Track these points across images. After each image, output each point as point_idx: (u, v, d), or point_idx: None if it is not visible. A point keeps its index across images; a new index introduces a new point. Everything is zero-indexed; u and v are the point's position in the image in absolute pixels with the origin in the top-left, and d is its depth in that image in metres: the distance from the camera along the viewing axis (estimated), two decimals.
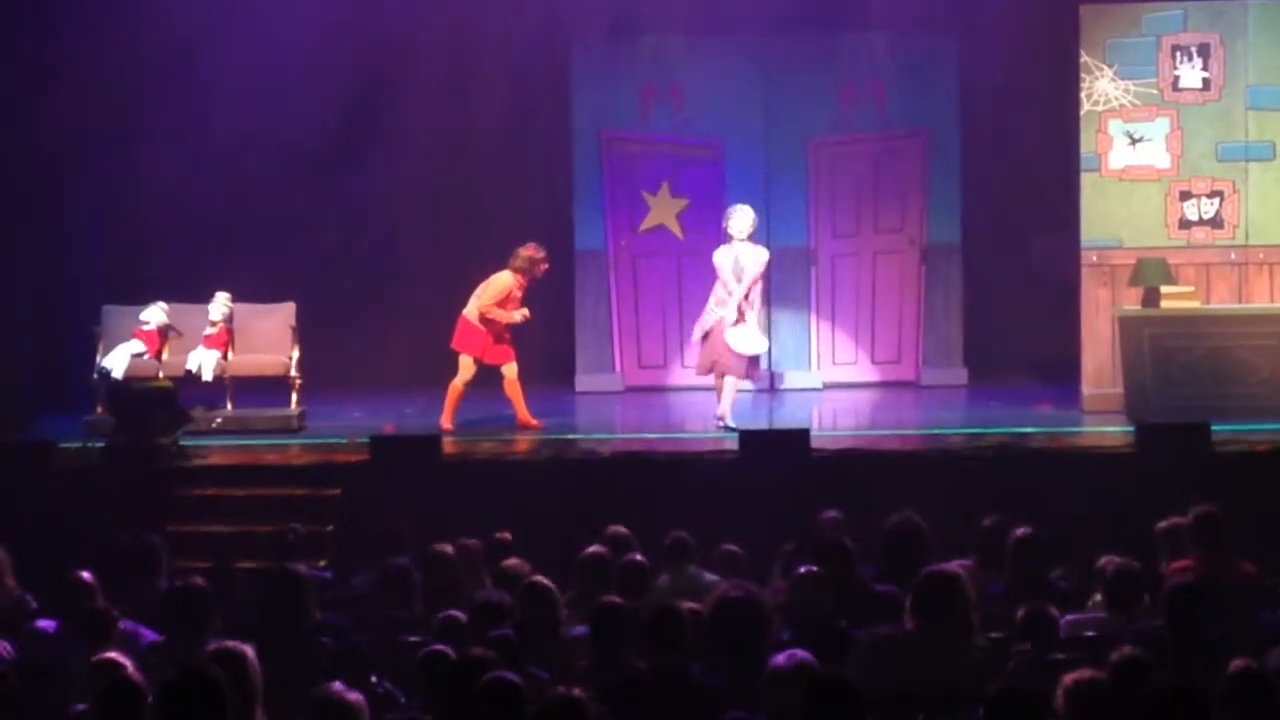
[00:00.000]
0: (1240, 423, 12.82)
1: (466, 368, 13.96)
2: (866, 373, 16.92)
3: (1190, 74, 14.36)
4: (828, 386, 16.68)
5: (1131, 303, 14.09)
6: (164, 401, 12.91)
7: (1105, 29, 14.44)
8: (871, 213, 16.87)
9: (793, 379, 16.64)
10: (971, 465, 12.11)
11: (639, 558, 9.03)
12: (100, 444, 12.80)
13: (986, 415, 14.46)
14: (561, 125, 16.82)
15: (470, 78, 16.55)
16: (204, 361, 14.32)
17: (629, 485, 11.86)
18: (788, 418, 13.93)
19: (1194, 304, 13.96)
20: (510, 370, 14.00)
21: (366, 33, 15.96)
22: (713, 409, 13.92)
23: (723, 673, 6.91)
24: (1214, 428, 12.03)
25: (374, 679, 7.06)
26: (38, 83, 14.74)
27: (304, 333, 14.75)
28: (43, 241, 15.34)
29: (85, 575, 8.53)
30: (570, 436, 13.86)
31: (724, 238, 13.88)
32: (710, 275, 14.01)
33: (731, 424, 13.48)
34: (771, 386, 16.24)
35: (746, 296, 13.65)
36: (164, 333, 14.49)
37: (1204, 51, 14.35)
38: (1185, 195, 14.39)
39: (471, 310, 14.01)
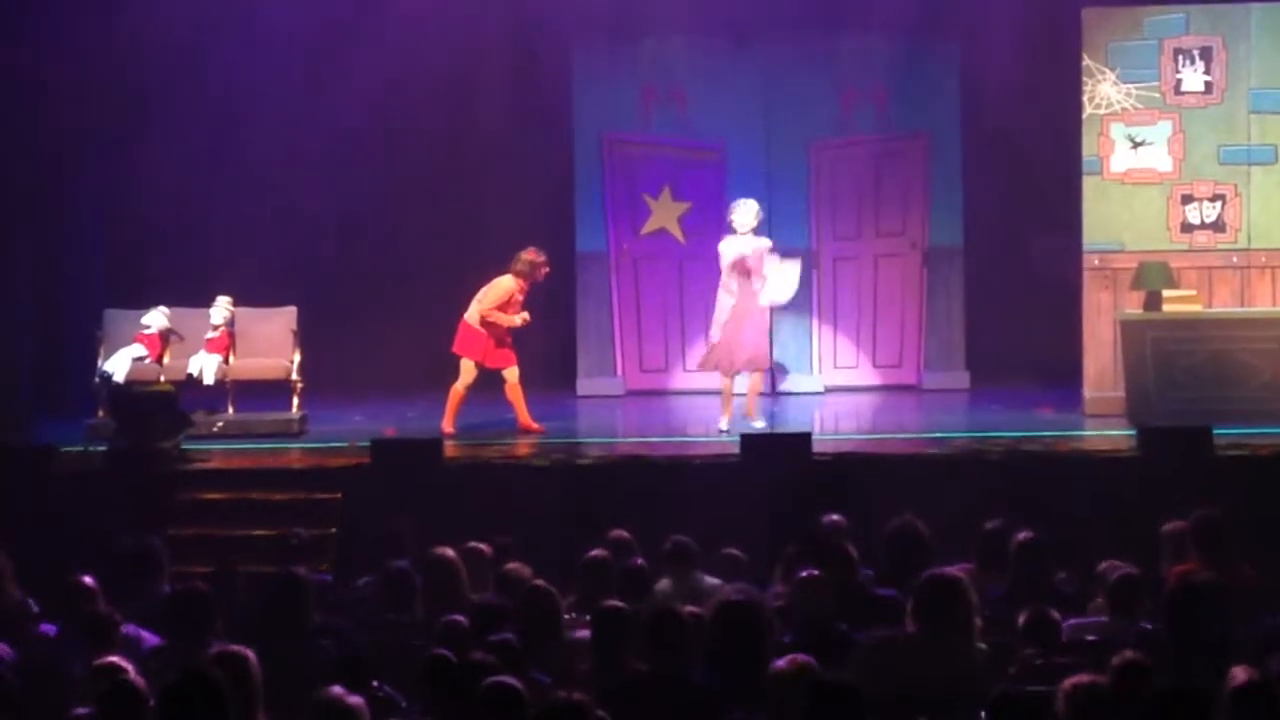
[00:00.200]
0: (1242, 426, 12.81)
1: (467, 371, 13.96)
2: (868, 376, 16.93)
3: (1192, 77, 14.36)
4: (829, 390, 16.69)
5: (1133, 306, 14.09)
6: (165, 405, 12.90)
7: (1107, 32, 14.44)
8: (873, 216, 16.87)
9: (794, 382, 16.64)
10: (973, 469, 12.09)
11: (640, 561, 9.03)
12: (102, 448, 12.80)
13: (988, 419, 14.46)
14: (563, 127, 16.83)
15: (471, 80, 16.57)
16: (205, 365, 14.32)
17: (630, 489, 11.85)
18: (789, 421, 13.92)
19: (1196, 307, 13.96)
20: (512, 374, 14.00)
21: (368, 34, 15.96)
22: (715, 413, 13.93)
23: (724, 676, 6.90)
24: (1216, 431, 12.02)
25: (375, 683, 7.05)
26: (38, 86, 14.74)
27: (305, 336, 14.76)
28: (44, 245, 15.35)
29: (86, 579, 8.52)
30: (572, 440, 13.86)
31: (727, 229, 13.84)
32: (710, 277, 14.01)
33: (761, 423, 13.52)
34: (773, 390, 16.23)
35: (753, 286, 13.63)
36: (165, 336, 14.49)
37: (1206, 55, 14.35)
38: (1187, 199, 14.38)
39: (472, 314, 14.01)
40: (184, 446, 12.88)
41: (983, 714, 6.18)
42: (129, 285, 15.64)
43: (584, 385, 16.78)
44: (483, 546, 9.56)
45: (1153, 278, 13.99)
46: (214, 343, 14.49)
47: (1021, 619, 7.62)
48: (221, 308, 14.60)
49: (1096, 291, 14.47)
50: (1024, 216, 16.66)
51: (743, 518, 11.02)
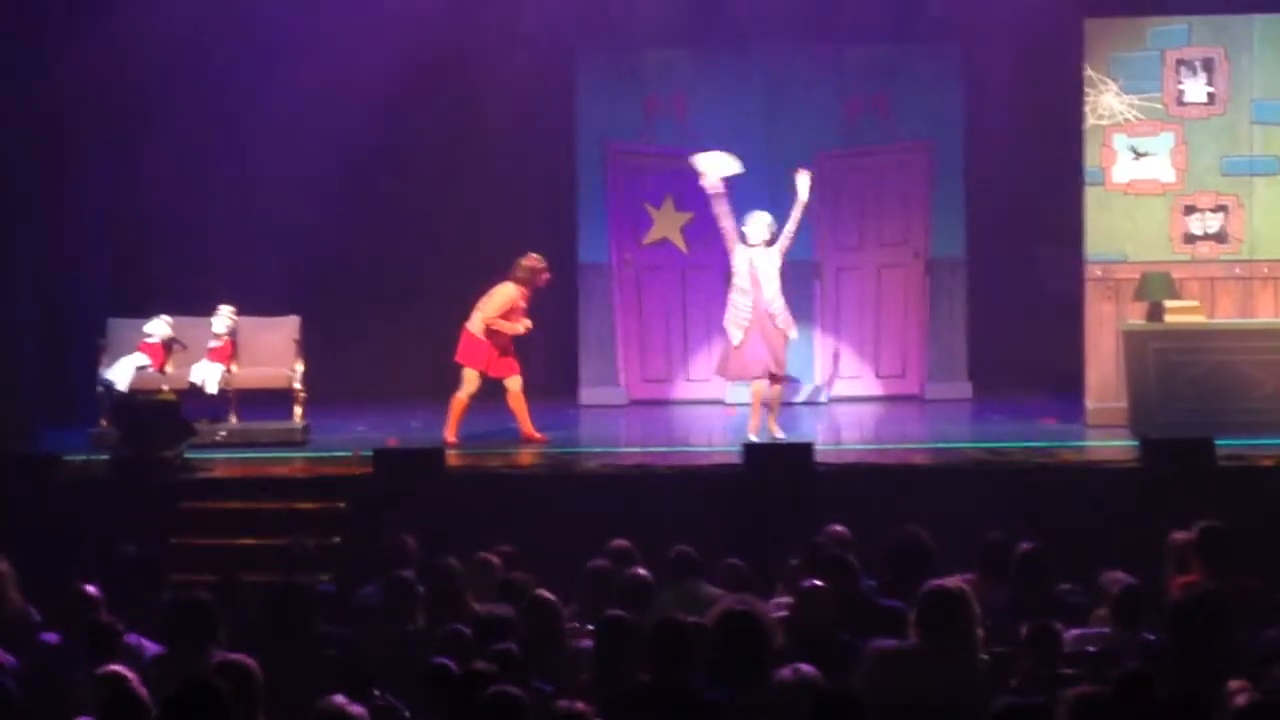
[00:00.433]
0: (1245, 437, 12.80)
1: (470, 380, 13.95)
2: (871, 386, 16.92)
3: (1195, 88, 14.37)
4: (832, 400, 16.68)
5: (1136, 317, 14.09)
6: (168, 414, 12.90)
7: (1110, 43, 14.45)
8: (876, 226, 16.88)
9: (797, 393, 16.63)
10: (975, 479, 12.09)
11: (642, 571, 9.02)
12: (104, 457, 12.80)
13: (990, 429, 14.45)
14: (565, 137, 16.84)
15: (474, 89, 16.57)
16: (208, 375, 14.33)
17: (632, 499, 11.85)
18: (792, 431, 13.92)
19: (1198, 318, 13.96)
20: (514, 383, 13.99)
21: (371, 45, 15.96)
22: (717, 423, 13.92)
23: (726, 686, 6.90)
24: (1218, 442, 12.01)
25: (377, 692, 7.05)
26: (41, 93, 14.74)
27: (308, 346, 14.76)
28: (46, 253, 15.35)
29: (89, 588, 8.53)
30: (574, 450, 13.85)
31: (742, 239, 13.83)
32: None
33: (780, 435, 13.54)
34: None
35: (765, 295, 13.59)
36: (168, 346, 14.50)
37: (1209, 66, 14.35)
38: (1190, 209, 14.39)
39: (475, 323, 14.00)
40: (186, 456, 12.88)
41: None
42: (132, 294, 15.66)
43: (586, 395, 16.78)
44: (492, 557, 9.57)
45: (1155, 288, 13.98)
46: (217, 352, 14.50)
47: (1024, 630, 7.62)
48: (224, 317, 14.60)
49: (1099, 302, 14.47)
50: (1026, 227, 16.67)
51: (745, 528, 11.03)
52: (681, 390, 16.89)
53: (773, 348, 13.58)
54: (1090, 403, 14.48)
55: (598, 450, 13.93)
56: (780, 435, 13.57)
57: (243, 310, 14.76)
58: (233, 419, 14.43)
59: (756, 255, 13.65)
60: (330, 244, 16.74)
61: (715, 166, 14.06)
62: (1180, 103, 14.40)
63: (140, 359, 14.34)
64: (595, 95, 16.79)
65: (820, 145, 16.67)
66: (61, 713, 7.00)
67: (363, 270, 16.94)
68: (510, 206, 16.69)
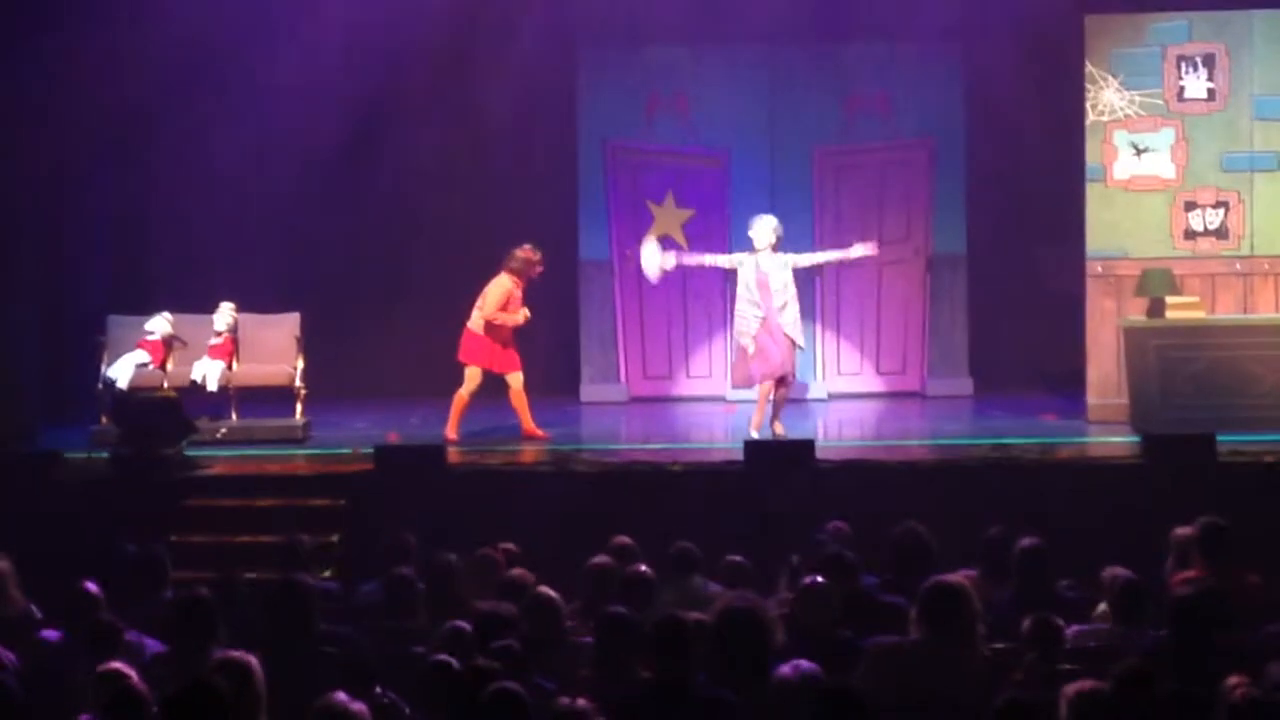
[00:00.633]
0: (1245, 433, 12.80)
1: (473, 378, 13.95)
2: (872, 383, 16.93)
3: (1195, 84, 14.37)
4: (833, 397, 16.69)
5: (1137, 313, 14.09)
6: (169, 412, 12.90)
7: (1110, 39, 14.46)
8: (877, 223, 16.86)
9: (798, 389, 16.62)
10: (976, 476, 12.08)
11: (644, 568, 9.02)
12: (105, 454, 12.80)
13: (991, 425, 14.45)
14: (567, 134, 16.85)
15: (475, 87, 16.57)
16: (209, 372, 14.33)
17: (634, 496, 11.84)
18: (793, 428, 13.92)
19: (1199, 314, 13.96)
20: (516, 380, 13.99)
21: (371, 43, 15.97)
22: (718, 420, 13.91)
23: (728, 683, 6.90)
24: (1219, 438, 12.01)
25: (379, 689, 7.05)
26: (43, 92, 14.75)
27: (309, 343, 14.77)
28: (47, 250, 15.37)
29: (90, 585, 8.52)
30: (575, 447, 13.84)
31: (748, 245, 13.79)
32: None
33: (783, 432, 13.52)
34: None
35: (774, 303, 13.55)
36: (169, 343, 14.49)
37: (1209, 62, 14.36)
38: (1190, 206, 14.39)
39: (476, 321, 13.99)
40: (187, 453, 12.88)
41: None
42: (132, 291, 15.68)
43: (587, 392, 16.79)
44: (494, 553, 9.56)
45: (1156, 285, 13.98)
46: (217, 349, 14.50)
47: (1025, 626, 7.62)
48: (225, 314, 14.61)
49: (1100, 298, 14.48)
50: (1027, 224, 16.68)
51: (746, 525, 11.02)
52: (683, 387, 16.90)
53: (782, 352, 13.54)
54: (1091, 399, 14.48)
55: (599, 447, 13.93)
56: (782, 433, 13.56)
57: (243, 307, 14.77)
58: (233, 416, 14.44)
59: (763, 260, 13.58)
60: (331, 241, 16.76)
61: (650, 262, 14.04)
62: (1181, 99, 14.41)
63: (141, 356, 14.34)
64: (596, 92, 16.80)
65: (821, 142, 16.71)
66: (62, 711, 6.99)
67: (364, 267, 16.94)
68: (511, 203, 16.68)
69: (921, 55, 16.63)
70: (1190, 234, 14.40)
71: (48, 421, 14.63)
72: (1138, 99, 14.41)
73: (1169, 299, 13.93)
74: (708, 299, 16.39)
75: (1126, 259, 14.38)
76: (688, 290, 16.78)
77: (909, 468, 12.49)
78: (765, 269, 13.56)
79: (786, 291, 13.54)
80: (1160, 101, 14.40)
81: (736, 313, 13.71)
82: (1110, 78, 14.40)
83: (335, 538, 11.70)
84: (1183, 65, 14.39)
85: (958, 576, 7.75)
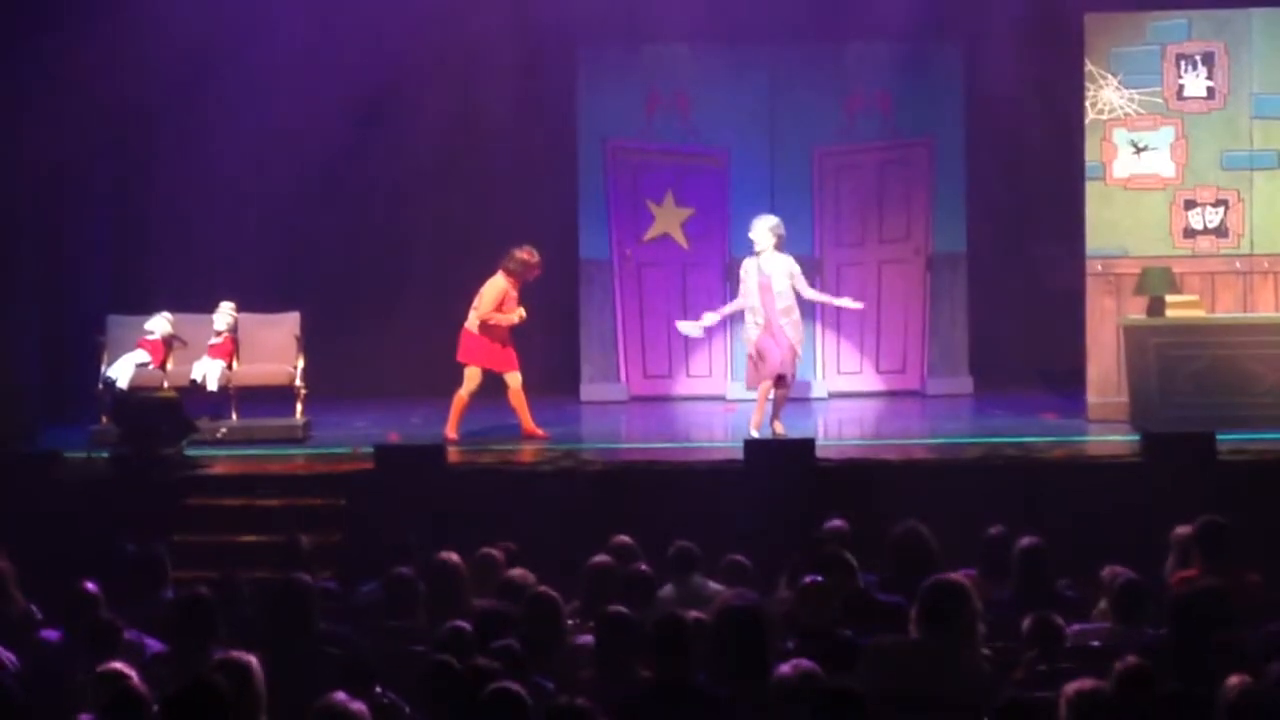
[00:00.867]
0: (1245, 432, 12.81)
1: (472, 378, 13.94)
2: (871, 382, 16.92)
3: (1195, 83, 14.37)
4: (833, 396, 16.69)
5: (1136, 312, 14.09)
6: (169, 412, 12.90)
7: (1110, 38, 14.45)
8: (877, 222, 16.87)
9: (798, 388, 16.61)
10: (976, 474, 12.09)
11: (644, 568, 9.02)
12: (105, 454, 12.81)
13: (991, 424, 14.46)
14: (566, 133, 16.84)
15: (475, 86, 16.59)
16: (209, 371, 14.33)
17: (634, 495, 11.85)
18: (793, 428, 13.92)
19: (1199, 313, 13.97)
20: (514, 380, 13.98)
21: (371, 43, 15.98)
22: (718, 419, 13.90)
23: (728, 682, 6.90)
24: (1219, 437, 12.02)
25: (378, 689, 7.05)
26: (44, 91, 14.74)
27: (309, 342, 14.77)
28: (48, 250, 15.36)
29: (89, 585, 8.52)
30: (575, 446, 13.84)
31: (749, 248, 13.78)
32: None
33: (783, 431, 13.51)
34: None
35: (777, 305, 13.52)
36: (169, 342, 14.49)
37: (1209, 60, 14.36)
38: (1190, 204, 14.39)
39: (472, 322, 13.99)
40: (187, 453, 12.88)
41: None
42: (132, 291, 15.67)
43: (587, 391, 16.78)
44: (495, 552, 9.57)
45: (1156, 283, 13.98)
46: (217, 348, 14.50)
47: (1025, 625, 7.62)
48: (225, 313, 14.61)
49: (1099, 297, 14.47)
50: (1027, 223, 16.68)
51: (747, 524, 11.02)
52: (682, 386, 16.89)
53: (783, 352, 13.53)
54: (1091, 398, 14.48)
55: (599, 446, 13.95)
56: (782, 432, 13.55)
57: (243, 307, 14.77)
58: (233, 416, 14.44)
59: (765, 262, 13.57)
60: (331, 240, 16.76)
61: (690, 329, 14.23)
62: (1180, 97, 14.40)
63: (141, 356, 14.34)
64: (596, 91, 16.78)
65: (821, 141, 16.70)
66: (62, 711, 6.99)
67: (363, 267, 16.94)
68: (511, 202, 16.68)
69: (921, 55, 16.61)
70: (1190, 232, 14.39)
71: (48, 421, 14.63)
72: (1137, 97, 14.41)
73: (1169, 297, 13.93)
74: (708, 298, 16.37)
75: (1126, 257, 14.38)
76: (687, 290, 16.77)
77: (909, 467, 12.49)
78: (767, 271, 13.55)
79: (789, 295, 13.52)
80: (1160, 100, 14.40)
81: (744, 318, 13.70)
82: (1110, 76, 14.40)
83: (335, 537, 11.71)
84: (1182, 64, 14.39)
85: (958, 575, 7.76)
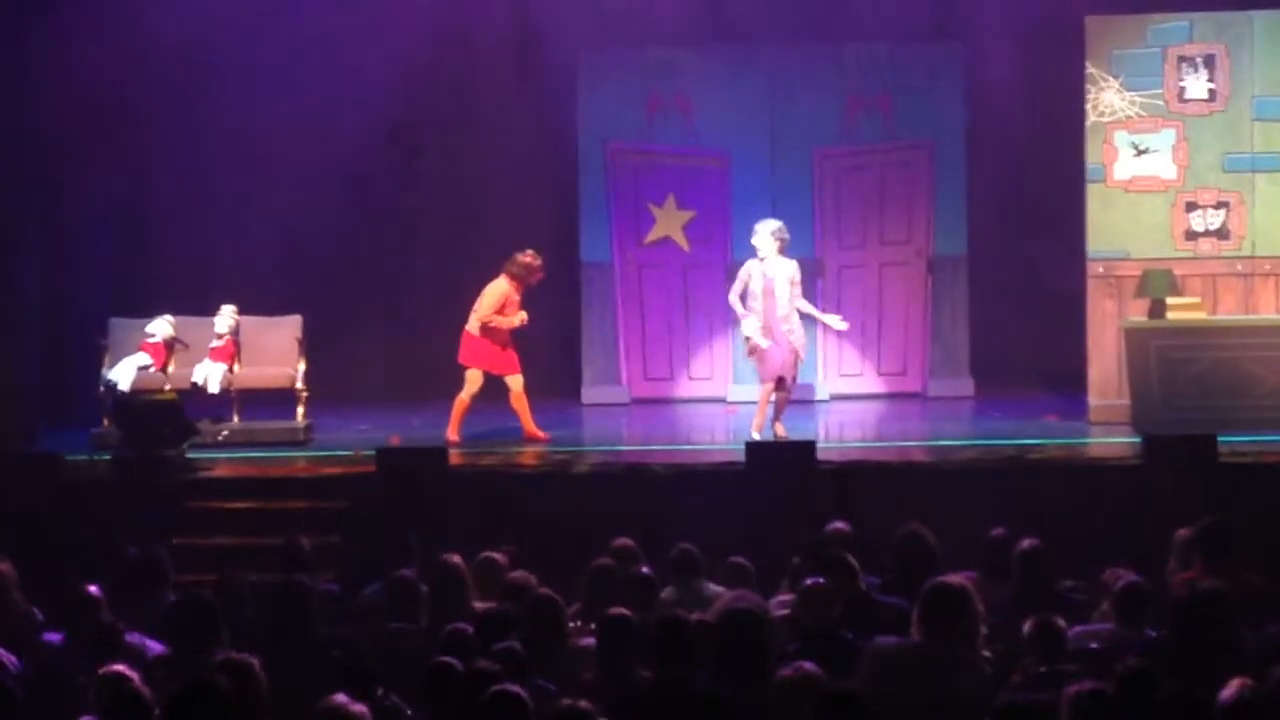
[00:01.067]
0: (1247, 434, 12.81)
1: (473, 381, 13.95)
2: (873, 384, 16.92)
3: (1196, 85, 14.37)
4: (834, 398, 16.68)
5: (1138, 314, 14.09)
6: (170, 414, 12.91)
7: (1111, 40, 14.45)
8: (878, 224, 16.86)
9: (799, 390, 16.60)
10: (977, 477, 12.09)
11: (645, 570, 9.03)
12: (107, 457, 12.81)
13: (993, 426, 14.46)
14: (568, 136, 16.83)
15: (476, 89, 16.59)
16: (210, 374, 14.33)
17: (635, 497, 11.85)
18: (794, 430, 13.92)
19: (1200, 315, 13.96)
20: (516, 383, 13.98)
21: (374, 45, 15.98)
22: (719, 422, 13.90)
23: (729, 685, 6.90)
24: (1221, 439, 12.01)
25: (380, 691, 7.06)
26: (45, 95, 14.75)
27: (310, 345, 14.77)
28: (49, 253, 15.36)
29: (91, 588, 8.53)
30: (576, 449, 13.85)
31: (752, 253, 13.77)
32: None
33: (784, 434, 13.49)
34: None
35: (779, 310, 13.51)
36: (170, 345, 14.50)
37: (1210, 62, 14.35)
38: (1191, 206, 14.39)
39: (473, 325, 13.99)
40: (189, 455, 12.89)
41: None
42: (134, 293, 15.66)
43: (589, 394, 16.78)
44: (498, 556, 9.57)
45: (1157, 285, 13.98)
46: (219, 351, 14.50)
47: (1026, 627, 7.61)
48: (226, 316, 14.61)
49: (1101, 299, 14.47)
50: (1028, 225, 16.67)
51: (748, 526, 11.03)
52: (684, 389, 16.89)
53: (784, 354, 13.52)
54: (1092, 400, 14.48)
55: (600, 449, 13.94)
56: (783, 434, 13.55)
57: (245, 310, 14.76)
58: (235, 418, 14.43)
59: (769, 266, 13.56)
60: (332, 243, 16.75)
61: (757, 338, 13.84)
62: (1181, 99, 14.40)
63: (142, 359, 14.34)
64: (597, 94, 16.78)
65: (822, 143, 16.70)
66: (64, 713, 7.00)
67: (365, 269, 16.94)
68: (512, 205, 16.68)
69: (922, 57, 16.61)
70: (1191, 235, 14.39)
71: (49, 424, 14.63)
72: (1138, 100, 14.40)
73: (1170, 300, 13.92)
74: (709, 301, 16.38)
75: (1127, 260, 14.38)
76: (689, 292, 16.77)
77: (910, 469, 12.50)
78: (771, 275, 13.54)
79: (791, 300, 13.52)
80: (1161, 102, 14.40)
81: (744, 319, 13.68)
82: (1111, 78, 14.40)
83: (337, 540, 11.71)
84: (1183, 66, 14.39)
85: (959, 578, 7.76)
